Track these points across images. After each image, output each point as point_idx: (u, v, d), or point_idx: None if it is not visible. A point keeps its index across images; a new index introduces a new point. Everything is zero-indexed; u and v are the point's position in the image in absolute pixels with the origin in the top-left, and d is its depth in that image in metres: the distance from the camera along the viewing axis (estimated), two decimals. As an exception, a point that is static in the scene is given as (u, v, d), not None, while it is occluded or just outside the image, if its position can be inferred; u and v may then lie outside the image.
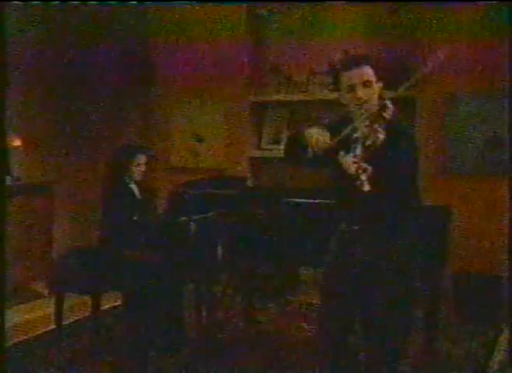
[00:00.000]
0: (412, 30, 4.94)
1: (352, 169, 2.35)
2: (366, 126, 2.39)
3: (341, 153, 2.42)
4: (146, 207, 4.12)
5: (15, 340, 4.11)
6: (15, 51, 4.94)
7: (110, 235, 3.93)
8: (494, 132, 4.66)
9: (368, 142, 2.36)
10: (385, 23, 5.09)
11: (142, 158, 4.06)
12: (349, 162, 2.37)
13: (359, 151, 2.38)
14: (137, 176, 4.07)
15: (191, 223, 3.71)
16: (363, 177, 2.32)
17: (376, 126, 2.36)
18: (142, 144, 4.30)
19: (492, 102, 4.66)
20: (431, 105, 4.84)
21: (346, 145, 2.45)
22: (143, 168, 4.07)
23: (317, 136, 2.50)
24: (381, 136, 2.36)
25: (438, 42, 4.72)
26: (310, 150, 2.51)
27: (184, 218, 3.73)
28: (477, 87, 4.69)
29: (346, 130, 2.46)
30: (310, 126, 2.62)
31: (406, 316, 2.67)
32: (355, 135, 2.43)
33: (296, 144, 2.63)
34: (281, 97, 5.45)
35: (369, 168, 2.32)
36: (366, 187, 2.33)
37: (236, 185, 4.28)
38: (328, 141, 2.48)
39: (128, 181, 4.06)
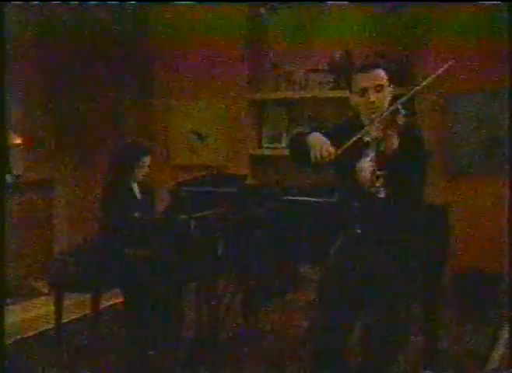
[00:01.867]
0: (411, 30, 4.95)
1: (368, 175, 2.34)
2: (378, 130, 2.38)
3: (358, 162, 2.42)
4: (146, 206, 4.11)
5: (15, 338, 4.11)
6: (15, 50, 4.94)
7: (111, 234, 3.93)
8: (494, 131, 4.66)
9: (382, 148, 2.36)
10: (385, 23, 5.10)
11: (146, 160, 4.02)
12: (365, 168, 2.38)
13: (373, 157, 2.36)
14: (140, 177, 4.04)
15: (191, 221, 3.71)
16: (379, 184, 2.33)
17: (389, 131, 2.35)
18: (146, 144, 4.24)
19: (492, 101, 4.67)
20: (431, 104, 4.84)
21: (357, 151, 2.45)
22: (147, 169, 4.04)
23: (321, 148, 2.43)
24: (395, 142, 2.36)
25: (438, 42, 4.74)
26: (313, 159, 2.46)
27: (183, 216, 3.73)
28: (477, 86, 4.70)
29: (351, 141, 2.40)
30: (310, 132, 2.58)
31: (406, 316, 2.67)
32: (366, 139, 2.44)
33: (299, 148, 2.60)
34: (280, 95, 5.46)
35: (384, 174, 2.34)
36: (382, 194, 2.34)
37: (236, 183, 4.27)
38: (332, 152, 2.41)
39: (130, 181, 4.04)
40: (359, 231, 2.60)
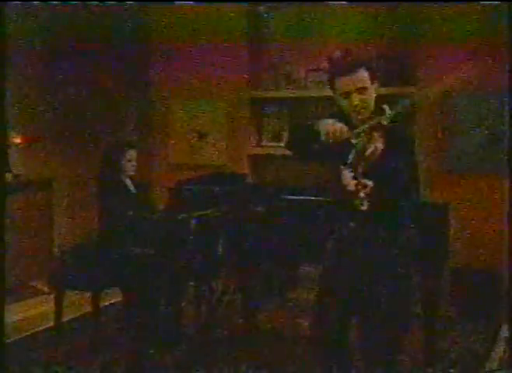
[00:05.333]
0: (411, 30, 4.95)
1: (352, 186, 2.30)
2: (364, 132, 2.35)
3: (342, 167, 2.38)
4: (142, 201, 4.13)
5: (15, 337, 4.11)
6: (16, 50, 4.94)
7: (109, 232, 3.93)
8: (493, 130, 4.67)
9: (367, 153, 2.32)
10: (384, 22, 5.10)
11: (132, 154, 4.07)
12: (349, 178, 2.32)
13: (356, 163, 2.32)
14: (130, 172, 4.09)
15: (191, 220, 3.71)
16: (362, 194, 2.27)
17: (374, 134, 2.32)
18: (131, 139, 4.32)
19: (491, 100, 4.67)
20: (430, 103, 4.84)
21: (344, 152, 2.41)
22: (135, 163, 4.09)
23: (336, 126, 2.40)
24: (380, 145, 2.32)
25: (438, 42, 4.74)
26: (323, 139, 2.40)
27: (183, 215, 3.73)
28: (477, 86, 4.70)
29: (367, 125, 2.39)
30: (320, 118, 2.54)
31: (405, 313, 2.66)
32: (352, 141, 2.39)
33: (301, 137, 2.58)
34: (280, 94, 5.46)
35: (370, 183, 2.28)
36: (364, 206, 2.28)
37: (236, 182, 4.28)
38: (346, 131, 2.39)
39: (122, 177, 4.07)
40: (352, 224, 2.59)
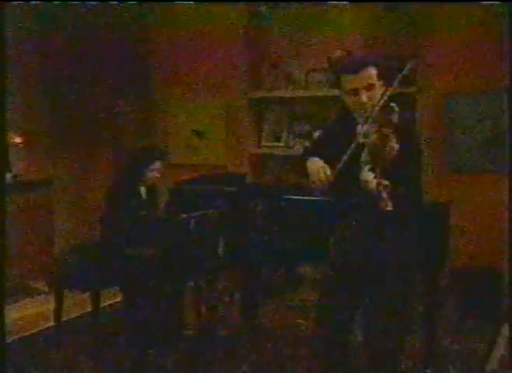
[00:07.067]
0: (411, 30, 4.95)
1: (373, 186, 2.30)
2: (375, 131, 2.33)
3: (363, 173, 2.37)
4: (151, 206, 4.09)
5: (15, 337, 4.11)
6: (16, 50, 4.94)
7: (113, 233, 3.90)
8: (494, 130, 4.67)
9: (385, 152, 2.29)
10: (384, 22, 5.10)
11: (158, 165, 3.98)
12: (370, 177, 2.32)
13: (373, 164, 2.31)
14: (149, 181, 4.02)
15: (191, 220, 3.71)
16: (385, 195, 2.26)
17: (385, 131, 2.30)
18: (161, 149, 4.21)
19: (492, 100, 4.67)
20: (431, 103, 4.85)
21: (355, 157, 2.41)
22: (157, 173, 4.00)
23: (317, 173, 2.46)
24: (395, 145, 2.30)
25: (438, 42, 4.75)
26: (312, 185, 2.49)
27: (183, 215, 3.73)
28: (477, 86, 4.70)
29: (343, 159, 2.39)
30: (311, 154, 2.61)
31: (406, 312, 2.67)
32: (361, 141, 2.39)
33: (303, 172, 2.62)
34: (280, 94, 5.46)
35: (387, 183, 2.28)
36: (389, 206, 2.26)
37: (235, 182, 4.28)
38: (329, 175, 2.43)
39: (138, 183, 4.01)
40: (354, 222, 2.58)
